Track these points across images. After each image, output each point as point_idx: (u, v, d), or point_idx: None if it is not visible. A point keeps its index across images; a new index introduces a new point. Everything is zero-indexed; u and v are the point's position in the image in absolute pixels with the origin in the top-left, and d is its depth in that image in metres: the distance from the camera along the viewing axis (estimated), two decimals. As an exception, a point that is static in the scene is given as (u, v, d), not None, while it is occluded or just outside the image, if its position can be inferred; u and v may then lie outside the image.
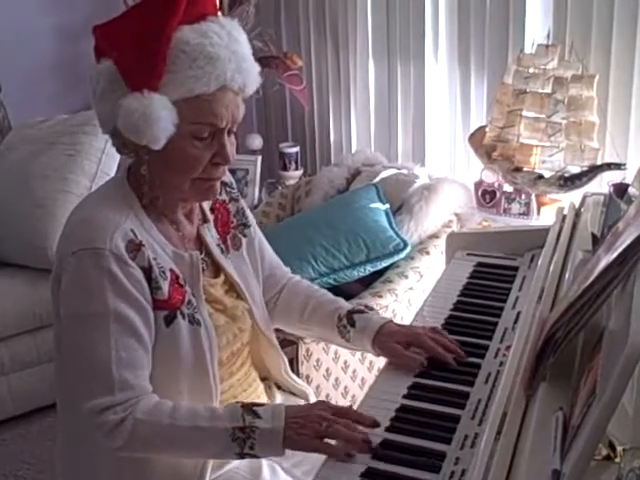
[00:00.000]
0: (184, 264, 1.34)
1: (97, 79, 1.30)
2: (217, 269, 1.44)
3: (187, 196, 1.36)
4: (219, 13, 1.33)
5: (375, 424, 1.20)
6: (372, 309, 1.50)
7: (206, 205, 1.47)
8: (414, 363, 1.35)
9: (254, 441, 1.20)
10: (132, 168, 1.37)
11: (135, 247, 1.27)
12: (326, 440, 1.19)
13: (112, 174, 2.86)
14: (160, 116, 1.22)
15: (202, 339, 1.33)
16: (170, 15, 1.24)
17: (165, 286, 1.29)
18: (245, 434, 1.20)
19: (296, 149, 3.57)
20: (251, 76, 1.32)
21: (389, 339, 1.40)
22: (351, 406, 1.31)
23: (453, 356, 1.37)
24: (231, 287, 1.45)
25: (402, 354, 1.38)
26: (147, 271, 1.27)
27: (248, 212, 1.56)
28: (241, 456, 1.22)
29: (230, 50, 1.27)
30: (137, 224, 1.30)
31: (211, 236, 1.44)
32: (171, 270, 1.32)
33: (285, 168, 3.56)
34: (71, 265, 1.26)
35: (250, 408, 1.23)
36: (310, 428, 1.19)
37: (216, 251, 1.43)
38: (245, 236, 1.51)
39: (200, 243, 1.43)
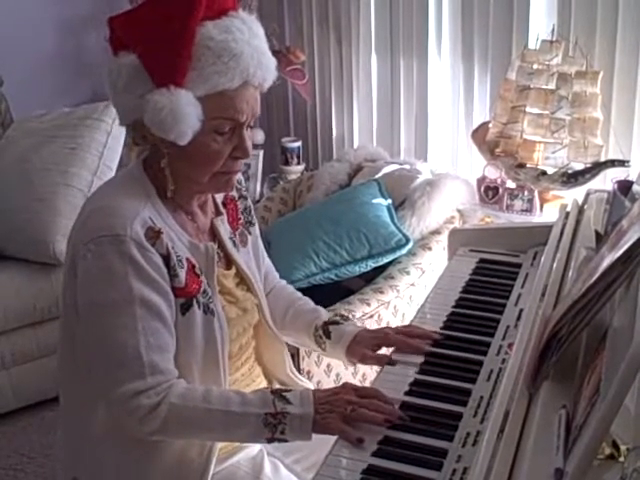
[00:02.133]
0: (200, 254, 1.36)
1: (119, 72, 1.29)
2: (229, 262, 1.46)
3: (205, 189, 1.37)
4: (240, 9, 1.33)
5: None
6: (347, 319, 1.56)
7: (219, 199, 1.49)
8: (380, 361, 1.41)
9: (285, 426, 1.22)
10: (148, 160, 1.37)
11: (154, 234, 1.28)
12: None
13: (114, 167, 2.85)
14: (187, 112, 1.24)
15: (215, 329, 1.34)
16: (193, 10, 1.24)
17: (182, 274, 1.30)
18: (276, 419, 1.23)
19: (298, 144, 3.57)
20: (270, 71, 1.33)
21: (359, 346, 1.46)
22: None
23: (428, 342, 1.42)
24: (241, 280, 1.47)
25: (369, 356, 1.44)
26: (166, 258, 1.29)
27: (253, 211, 1.58)
28: (271, 440, 1.24)
29: (252, 46, 1.28)
30: (154, 213, 1.31)
31: (224, 229, 1.46)
32: (187, 259, 1.33)
33: (287, 163, 3.56)
34: (90, 252, 1.26)
35: (280, 394, 1.26)
36: (337, 413, 1.22)
37: (229, 244, 1.45)
38: (250, 234, 1.53)
39: (213, 235, 1.44)
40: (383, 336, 1.46)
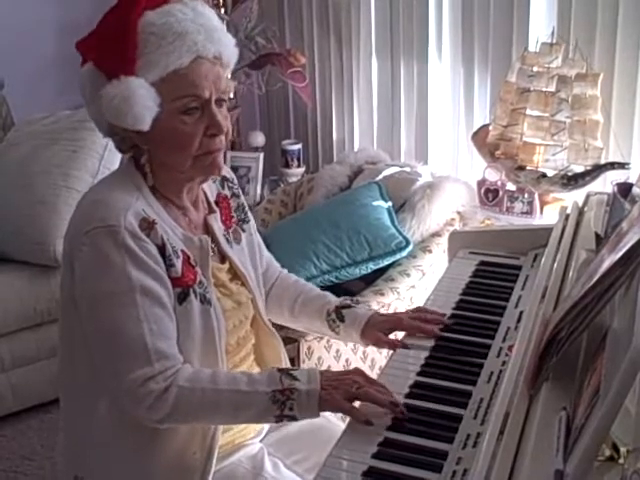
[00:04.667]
0: (194, 247, 1.37)
1: (83, 83, 1.34)
2: (222, 257, 1.47)
3: (192, 175, 1.37)
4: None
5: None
6: (358, 302, 1.59)
7: (211, 197, 1.50)
8: (394, 345, 1.45)
9: (293, 402, 1.24)
10: (136, 157, 1.39)
11: (148, 225, 1.29)
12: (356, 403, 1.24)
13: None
14: (138, 94, 1.26)
15: (212, 319, 1.35)
16: (134, 5, 1.28)
17: (178, 264, 1.31)
18: (285, 396, 1.24)
19: (298, 146, 3.57)
20: (224, 45, 1.34)
21: (373, 329, 1.48)
22: None
23: (439, 327, 1.46)
24: (235, 275, 1.48)
25: (383, 340, 1.47)
26: (161, 248, 1.30)
27: (247, 208, 1.59)
28: (280, 418, 1.26)
29: (197, 23, 1.30)
30: (147, 206, 1.33)
31: (217, 226, 1.47)
32: (182, 251, 1.34)
33: (287, 165, 3.56)
34: (86, 245, 1.27)
35: (287, 372, 1.28)
36: (342, 390, 1.24)
37: (222, 240, 1.46)
38: (244, 231, 1.54)
39: (206, 231, 1.45)
40: (396, 320, 1.49)
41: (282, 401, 1.24)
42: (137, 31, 1.27)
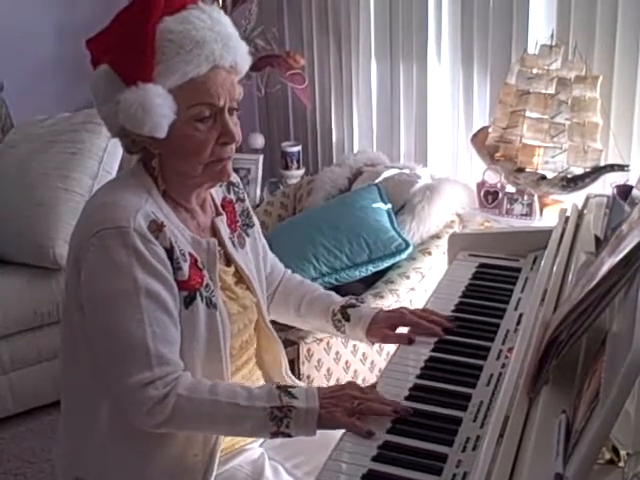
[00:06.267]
0: (201, 250, 1.37)
1: (96, 85, 1.34)
2: (228, 260, 1.47)
3: (202, 181, 1.38)
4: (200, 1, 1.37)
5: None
6: (363, 302, 1.61)
7: (218, 200, 1.51)
8: (401, 339, 1.46)
9: (290, 420, 1.24)
10: (145, 161, 1.39)
11: (157, 227, 1.29)
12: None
13: (114, 172, 2.85)
14: (156, 103, 1.26)
15: (217, 323, 1.35)
16: (151, 9, 1.28)
17: (185, 267, 1.32)
18: (282, 413, 1.25)
19: (298, 148, 3.57)
20: (240, 53, 1.35)
21: (379, 327, 1.50)
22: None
23: (441, 328, 1.46)
24: (240, 279, 1.48)
25: (390, 336, 1.49)
26: (169, 251, 1.30)
27: (252, 213, 1.59)
28: (275, 435, 1.26)
29: (214, 31, 1.31)
30: (156, 208, 1.33)
31: (224, 229, 1.47)
32: (190, 254, 1.34)
33: (287, 167, 3.56)
34: (94, 246, 1.27)
35: (285, 389, 1.28)
36: (342, 407, 1.24)
37: (228, 243, 1.46)
38: (248, 235, 1.54)
39: (214, 234, 1.45)
40: (399, 315, 1.51)
41: (279, 418, 1.24)
42: (156, 37, 1.27)
